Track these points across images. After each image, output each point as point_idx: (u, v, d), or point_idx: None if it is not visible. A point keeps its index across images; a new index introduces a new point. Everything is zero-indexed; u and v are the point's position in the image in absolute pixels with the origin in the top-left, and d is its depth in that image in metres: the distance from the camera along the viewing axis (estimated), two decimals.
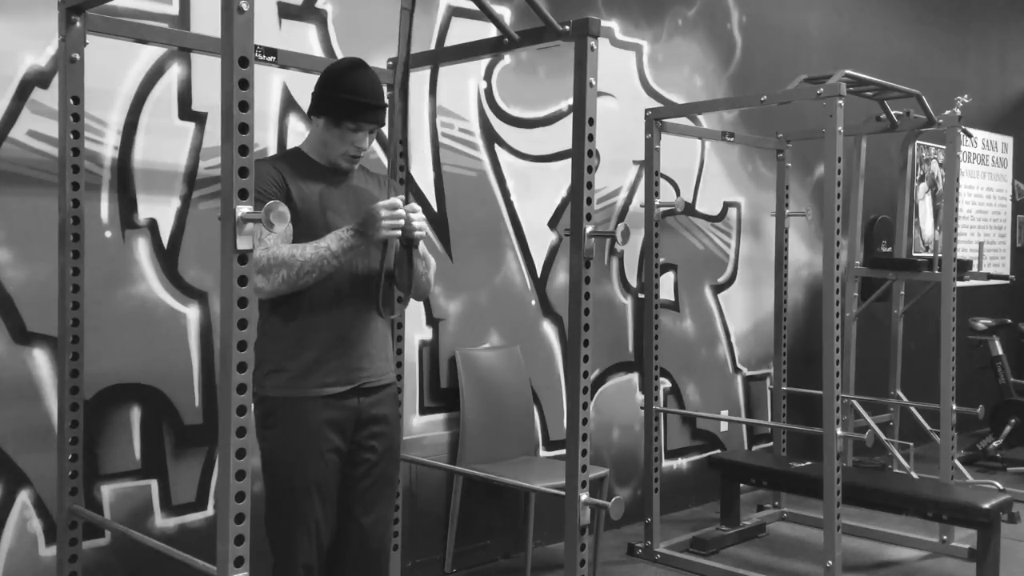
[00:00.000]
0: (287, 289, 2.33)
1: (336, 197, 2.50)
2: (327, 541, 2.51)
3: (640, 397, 4.69)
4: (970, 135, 5.77)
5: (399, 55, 2.51)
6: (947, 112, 4.55)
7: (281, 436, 2.45)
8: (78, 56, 2.51)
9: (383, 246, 2.49)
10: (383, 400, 2.60)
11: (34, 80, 2.83)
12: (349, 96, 2.43)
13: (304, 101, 3.41)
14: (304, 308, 2.44)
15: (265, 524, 2.48)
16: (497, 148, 4.11)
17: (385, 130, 2.85)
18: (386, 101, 2.53)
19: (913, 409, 5.46)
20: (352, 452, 2.54)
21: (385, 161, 3.34)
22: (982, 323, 6.15)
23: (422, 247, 2.54)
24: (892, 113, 4.66)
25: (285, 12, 3.40)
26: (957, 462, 4.76)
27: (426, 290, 2.67)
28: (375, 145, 3.56)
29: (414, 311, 3.81)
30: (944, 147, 5.00)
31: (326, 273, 2.36)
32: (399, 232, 2.38)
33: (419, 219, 2.43)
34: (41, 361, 2.85)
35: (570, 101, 3.84)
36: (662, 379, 4.61)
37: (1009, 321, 6.34)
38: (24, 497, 2.84)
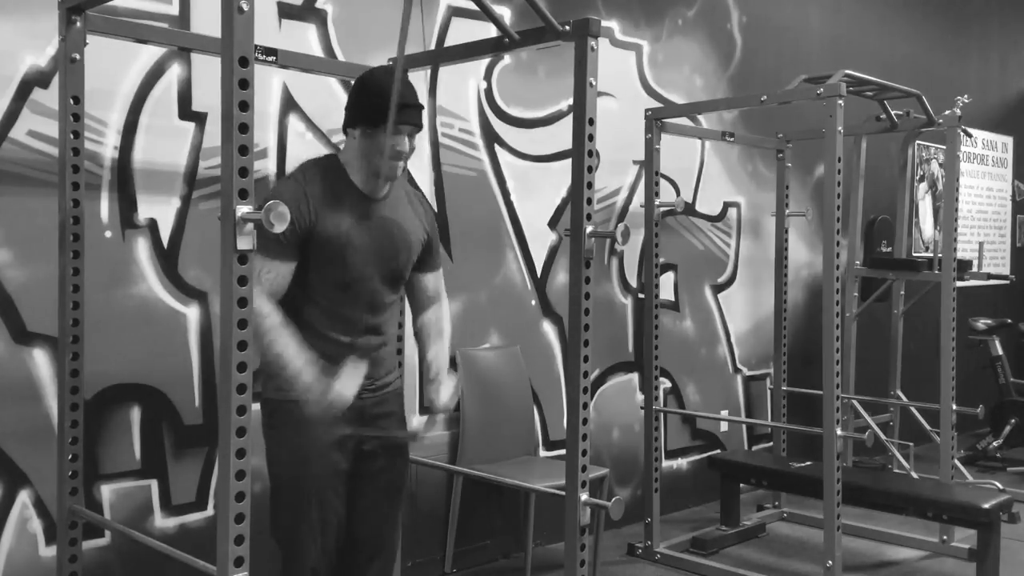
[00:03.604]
0: None
1: (362, 233, 2.44)
2: (333, 541, 2.50)
3: (640, 397, 4.69)
4: (970, 135, 5.77)
5: (398, 57, 2.49)
6: (947, 112, 4.55)
7: (285, 437, 2.44)
8: (78, 56, 2.50)
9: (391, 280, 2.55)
10: (388, 399, 2.60)
11: (34, 80, 2.83)
12: (384, 98, 2.35)
13: (304, 101, 3.43)
14: (309, 316, 2.43)
15: (271, 526, 2.48)
16: (497, 148, 4.11)
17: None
18: (422, 102, 2.49)
19: (913, 409, 5.46)
20: (359, 452, 2.53)
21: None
22: (982, 323, 6.14)
23: (440, 312, 2.69)
24: (892, 113, 4.66)
25: (285, 12, 3.40)
26: (957, 462, 4.76)
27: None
28: None
29: None
30: (944, 147, 5.00)
31: (266, 368, 2.36)
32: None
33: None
34: (41, 361, 2.85)
35: (570, 101, 3.83)
36: (662, 379, 4.60)
37: (1009, 321, 6.34)
38: (24, 497, 2.84)
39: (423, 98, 3.77)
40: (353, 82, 2.53)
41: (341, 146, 2.84)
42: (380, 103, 2.35)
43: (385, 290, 2.53)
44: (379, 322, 2.53)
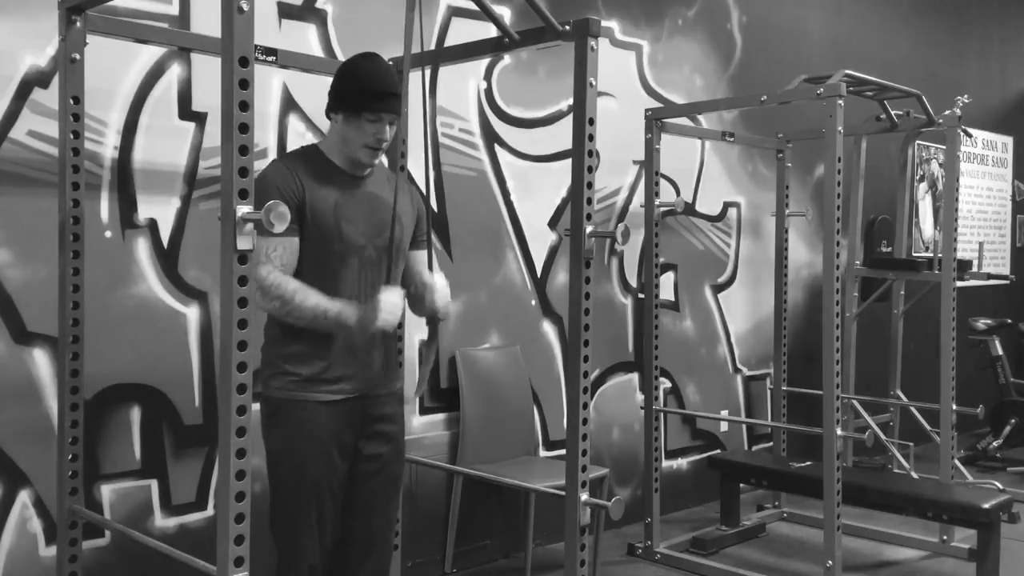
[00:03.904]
0: (274, 316, 2.41)
1: (351, 206, 2.47)
2: (331, 540, 2.52)
3: (640, 397, 4.69)
4: (970, 135, 5.77)
5: (405, 56, 2.48)
6: (947, 112, 4.55)
7: (285, 436, 2.45)
8: (78, 56, 2.51)
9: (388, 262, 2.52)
10: (388, 401, 2.60)
11: (34, 80, 2.83)
12: (365, 86, 2.42)
13: (304, 101, 3.43)
14: None
15: (269, 523, 2.49)
16: (497, 148, 4.11)
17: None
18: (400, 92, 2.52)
19: (913, 409, 5.46)
20: (357, 452, 2.54)
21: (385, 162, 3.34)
22: (982, 323, 6.14)
23: (437, 280, 2.59)
24: (892, 113, 4.66)
25: (285, 12, 3.40)
26: (957, 462, 4.76)
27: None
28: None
29: None
30: (944, 147, 5.00)
31: (314, 327, 2.38)
32: (394, 325, 2.40)
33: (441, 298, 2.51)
34: (41, 361, 2.85)
35: (570, 101, 3.84)
36: (662, 379, 4.61)
37: (1009, 321, 6.33)
38: (24, 497, 2.84)
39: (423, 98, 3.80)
40: (339, 66, 2.56)
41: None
42: (358, 91, 2.43)
43: (381, 264, 2.52)
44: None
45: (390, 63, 2.53)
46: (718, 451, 5.08)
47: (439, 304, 2.55)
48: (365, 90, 2.42)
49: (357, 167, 2.52)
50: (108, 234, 3.00)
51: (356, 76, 2.45)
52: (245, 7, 1.80)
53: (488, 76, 4.07)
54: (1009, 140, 7.43)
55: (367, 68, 2.46)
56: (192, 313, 3.19)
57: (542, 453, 4.28)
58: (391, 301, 2.36)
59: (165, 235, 3.13)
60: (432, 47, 3.79)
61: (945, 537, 4.38)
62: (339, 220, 2.44)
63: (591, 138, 2.41)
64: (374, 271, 2.50)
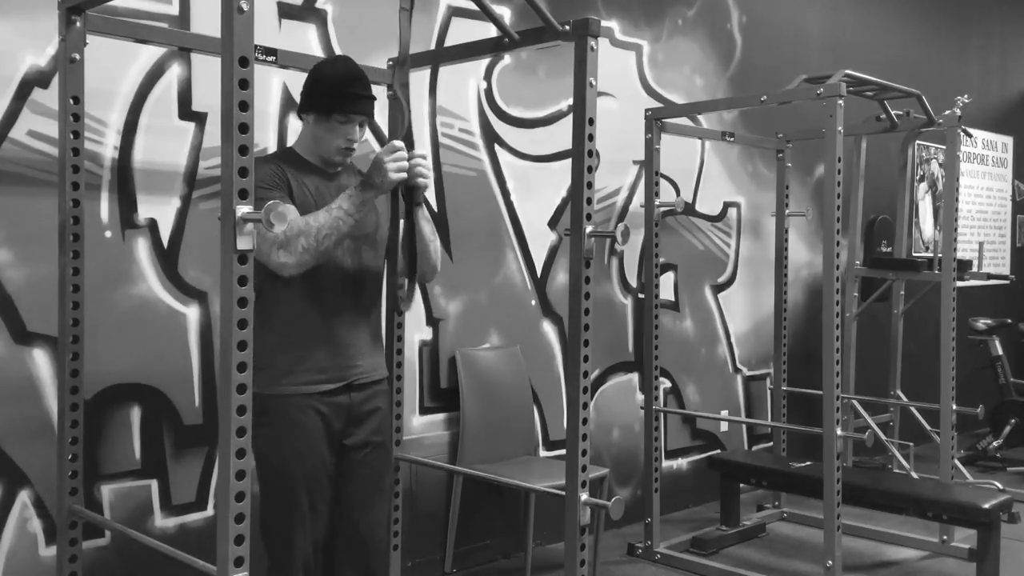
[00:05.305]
0: (311, 259, 2.34)
1: (330, 193, 2.52)
2: (321, 538, 2.52)
3: (640, 397, 4.69)
4: (970, 135, 5.77)
5: (399, 55, 2.51)
6: (947, 112, 4.55)
7: (272, 434, 2.44)
8: (78, 56, 2.50)
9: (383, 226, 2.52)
10: (375, 395, 2.61)
11: (34, 80, 2.83)
12: (336, 88, 2.46)
13: None
14: (291, 305, 2.45)
15: (260, 523, 2.48)
16: (497, 148, 4.11)
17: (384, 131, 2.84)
18: (373, 93, 2.54)
19: (913, 409, 5.46)
20: (344, 448, 2.55)
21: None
22: (982, 323, 6.15)
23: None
24: (892, 113, 4.66)
25: (285, 12, 3.40)
26: (957, 462, 4.76)
27: (435, 262, 2.66)
28: (370, 139, 3.57)
29: (414, 311, 3.81)
30: (944, 147, 5.00)
31: (343, 234, 2.38)
32: (405, 175, 2.41)
33: (423, 164, 2.46)
34: (41, 361, 2.85)
35: (570, 101, 3.83)
36: (662, 379, 4.60)
37: (1009, 321, 6.34)
38: (24, 497, 2.84)
39: (423, 98, 3.80)
40: (311, 69, 2.59)
41: None
42: (328, 93, 2.47)
43: (362, 255, 2.54)
44: (360, 294, 2.55)
45: (359, 65, 2.55)
46: (718, 451, 5.08)
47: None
48: (335, 92, 2.46)
49: (330, 164, 2.57)
50: (108, 234, 3.00)
51: (326, 78, 2.50)
52: (245, 7, 1.80)
53: (488, 76, 4.07)
54: (1009, 140, 7.43)
55: (337, 70, 2.51)
56: (192, 313, 3.19)
57: (542, 453, 4.28)
58: (392, 148, 2.38)
59: (165, 235, 3.13)
60: (432, 47, 3.80)
61: (945, 537, 4.38)
62: (320, 207, 2.46)
63: (591, 138, 2.41)
64: (354, 258, 2.53)
